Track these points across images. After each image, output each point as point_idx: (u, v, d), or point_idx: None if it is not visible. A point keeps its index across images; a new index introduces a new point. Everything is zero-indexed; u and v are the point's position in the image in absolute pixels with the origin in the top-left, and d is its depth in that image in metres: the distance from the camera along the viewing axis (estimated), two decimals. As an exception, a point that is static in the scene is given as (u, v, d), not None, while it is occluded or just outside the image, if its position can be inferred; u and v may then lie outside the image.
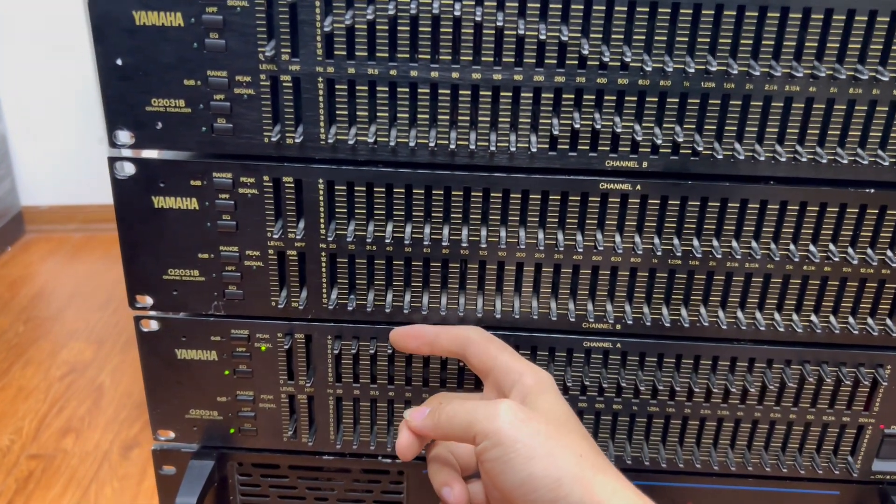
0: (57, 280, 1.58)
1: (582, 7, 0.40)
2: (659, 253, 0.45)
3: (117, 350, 1.34)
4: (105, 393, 1.24)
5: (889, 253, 0.45)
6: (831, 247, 0.45)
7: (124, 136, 0.44)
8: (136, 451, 1.10)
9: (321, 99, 0.43)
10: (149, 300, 0.48)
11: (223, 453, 0.53)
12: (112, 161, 0.45)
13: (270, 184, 0.45)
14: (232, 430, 0.52)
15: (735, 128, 0.43)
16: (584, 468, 0.37)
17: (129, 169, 0.45)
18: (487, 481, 0.41)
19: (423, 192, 0.45)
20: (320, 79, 0.42)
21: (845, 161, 0.43)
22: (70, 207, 1.78)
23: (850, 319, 0.47)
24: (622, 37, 0.41)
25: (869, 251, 0.45)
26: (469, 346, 0.45)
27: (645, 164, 0.44)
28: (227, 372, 0.50)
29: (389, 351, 0.49)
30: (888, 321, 0.47)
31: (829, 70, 0.41)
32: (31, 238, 1.78)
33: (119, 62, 0.42)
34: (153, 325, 0.49)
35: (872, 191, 0.44)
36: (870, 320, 0.47)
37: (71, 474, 1.06)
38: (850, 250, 0.45)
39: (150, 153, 0.45)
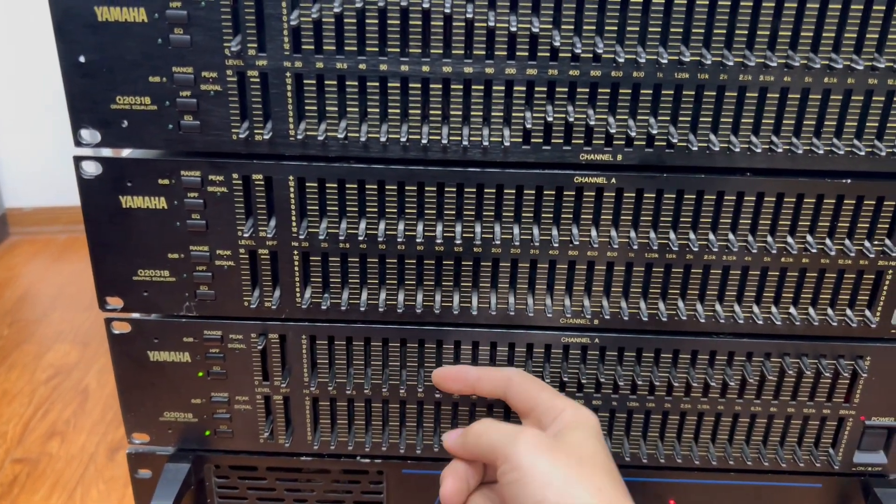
0: (42, 282, 1.56)
1: (552, -2, 0.40)
2: (635, 247, 0.45)
3: (103, 351, 1.33)
4: (91, 395, 1.23)
5: (866, 244, 0.45)
6: (809, 238, 0.45)
7: (89, 135, 0.43)
8: (122, 454, 1.09)
9: (289, 94, 0.42)
10: (119, 302, 0.47)
11: (199, 456, 0.52)
12: (77, 160, 0.44)
13: (240, 181, 0.44)
14: (207, 433, 0.51)
15: (710, 119, 0.42)
16: (599, 501, 0.37)
17: (95, 168, 0.44)
18: (506, 502, 0.41)
19: (395, 188, 0.44)
20: (288, 74, 0.42)
21: (821, 151, 0.42)
22: (54, 209, 1.77)
23: (829, 311, 0.47)
24: (594, 28, 0.41)
25: (847, 242, 0.45)
26: (510, 387, 0.45)
27: (620, 157, 0.43)
28: (200, 373, 0.49)
29: (364, 350, 0.48)
30: (867, 312, 0.47)
31: (804, 59, 0.41)
32: (15, 240, 1.76)
33: (82, 59, 0.41)
34: (124, 327, 0.48)
35: (849, 181, 0.44)
36: (849, 312, 0.47)
37: (56, 478, 1.05)
38: (827, 241, 0.45)
39: (117, 152, 0.44)
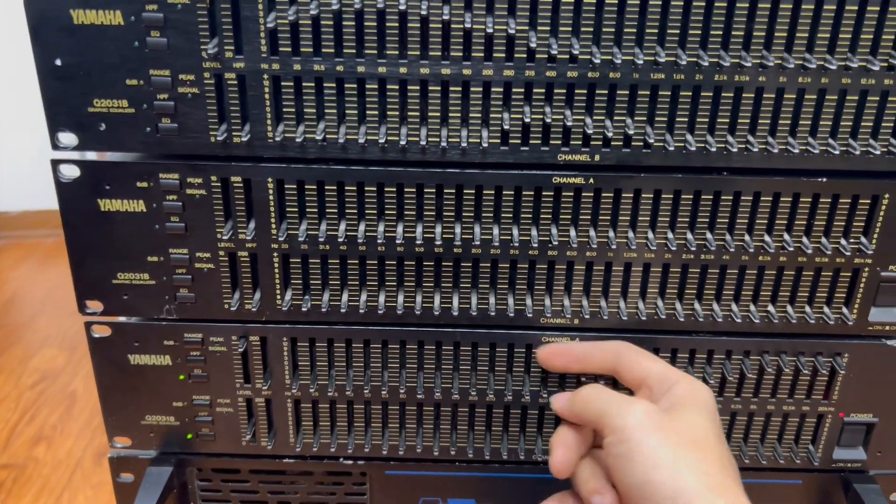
0: (29, 286, 1.55)
1: (528, 0, 0.40)
2: (613, 246, 0.45)
3: (90, 356, 1.32)
4: (78, 400, 1.22)
5: (843, 241, 0.45)
6: (786, 236, 0.45)
7: (67, 139, 0.43)
8: (109, 459, 1.08)
9: (267, 96, 0.42)
10: (99, 305, 0.47)
11: (182, 459, 0.52)
12: (55, 164, 0.44)
13: (218, 184, 0.44)
14: (189, 436, 0.51)
15: (686, 119, 0.43)
16: (706, 486, 0.36)
17: (73, 171, 0.44)
18: (611, 473, 0.40)
19: (375, 189, 0.44)
20: (266, 76, 0.42)
21: (796, 150, 0.43)
22: (41, 212, 1.75)
23: (807, 309, 0.47)
24: (570, 29, 0.41)
25: (823, 240, 0.45)
26: (620, 358, 0.44)
27: (597, 158, 0.44)
28: (181, 376, 0.49)
29: (346, 351, 0.48)
30: (844, 310, 0.47)
31: (778, 59, 0.41)
32: (1, 244, 1.75)
33: (58, 62, 0.41)
34: (105, 331, 0.48)
35: (824, 179, 0.44)
36: (826, 309, 0.47)
37: (43, 483, 1.04)
38: (804, 240, 0.45)
39: (95, 155, 0.44)
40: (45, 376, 1.29)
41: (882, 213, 0.45)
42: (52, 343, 1.39)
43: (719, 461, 0.38)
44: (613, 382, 0.49)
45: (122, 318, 0.48)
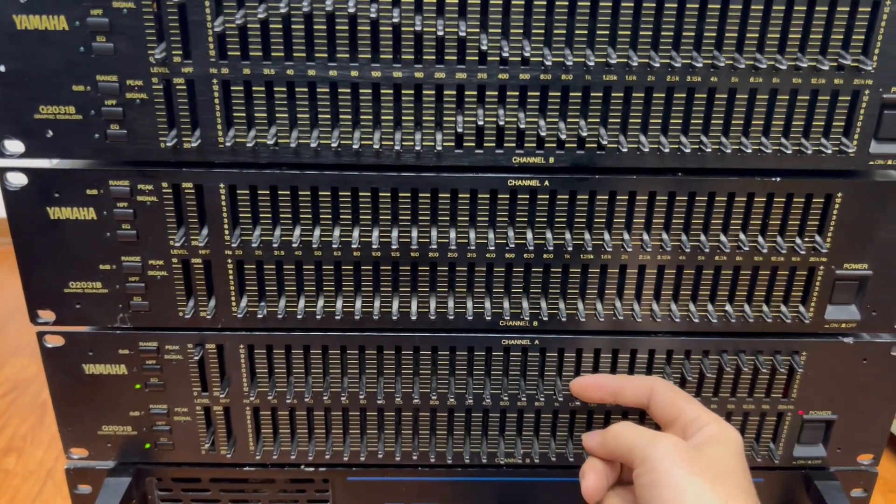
0: (-2, 295, 1.53)
1: (479, 2, 0.40)
2: (570, 248, 0.45)
3: (43, 366, 1.30)
4: (49, 410, 1.20)
5: (798, 240, 0.45)
6: (741, 236, 0.45)
7: (13, 146, 0.42)
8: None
9: (217, 101, 0.42)
10: (51, 315, 0.46)
11: (140, 469, 0.51)
12: (1, 172, 0.43)
13: (170, 190, 0.43)
14: (147, 445, 0.50)
15: (639, 120, 0.43)
16: None
17: (20, 179, 0.43)
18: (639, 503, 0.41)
19: (329, 193, 0.44)
20: (215, 80, 0.41)
21: (749, 150, 0.43)
22: (5, 220, 1.73)
23: (765, 308, 0.47)
24: (521, 31, 0.41)
25: (779, 239, 0.45)
26: (654, 395, 0.45)
27: (552, 160, 0.43)
28: (137, 385, 0.48)
29: (304, 358, 0.48)
30: (801, 308, 0.47)
31: (729, 60, 0.41)
32: (-29, 252, 1.72)
33: (2, 68, 0.41)
34: (58, 341, 0.47)
35: (778, 179, 0.44)
36: (783, 308, 0.47)
37: (13, 494, 1.03)
38: (759, 239, 0.45)
39: (43, 162, 0.44)
40: (16, 385, 1.27)
41: (836, 212, 0.45)
42: (23, 352, 1.37)
43: (746, 495, 0.39)
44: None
45: (75, 328, 0.47)
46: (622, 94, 0.42)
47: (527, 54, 0.41)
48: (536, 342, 0.48)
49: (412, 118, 0.43)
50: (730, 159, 0.43)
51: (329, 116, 0.42)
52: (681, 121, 0.43)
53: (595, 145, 0.43)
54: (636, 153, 0.43)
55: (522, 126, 0.42)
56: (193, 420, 0.49)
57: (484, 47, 0.41)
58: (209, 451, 0.50)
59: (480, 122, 0.42)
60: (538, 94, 0.42)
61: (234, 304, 0.46)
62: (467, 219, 0.45)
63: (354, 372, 0.49)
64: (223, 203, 0.44)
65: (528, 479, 0.52)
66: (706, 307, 0.47)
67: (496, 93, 0.42)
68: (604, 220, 0.45)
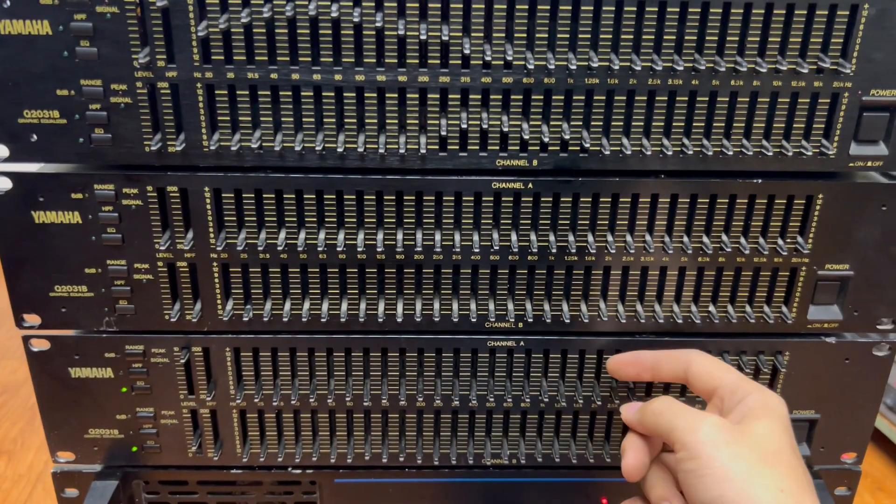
0: (-11, 298, 1.52)
1: (461, 6, 0.40)
2: (554, 250, 0.45)
3: (29, 370, 1.29)
4: (38, 413, 1.20)
5: (780, 241, 0.46)
6: (724, 237, 0.46)
7: (-3, 150, 0.42)
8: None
9: (201, 105, 0.42)
10: (37, 319, 0.46)
11: (127, 472, 0.51)
12: (-14, 176, 0.43)
13: (155, 194, 0.44)
14: (134, 449, 0.50)
15: (621, 123, 0.43)
16: (780, 503, 0.35)
17: (4, 184, 0.43)
18: (682, 487, 0.40)
19: (314, 196, 0.44)
20: (199, 84, 0.41)
21: (730, 152, 0.43)
22: None
23: (748, 308, 0.48)
24: (503, 35, 0.41)
25: (761, 240, 0.46)
26: (691, 367, 0.43)
27: (535, 163, 0.44)
28: (124, 389, 0.48)
29: (290, 360, 0.48)
30: (783, 308, 0.48)
31: (710, 63, 0.41)
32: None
33: (-15, 73, 0.41)
34: (43, 344, 0.47)
35: (759, 181, 0.45)
36: (766, 308, 0.48)
37: (3, 498, 1.02)
38: (742, 240, 0.46)
39: (27, 167, 0.44)
40: (6, 389, 1.26)
41: (817, 213, 0.45)
42: (13, 355, 1.36)
43: (794, 475, 0.37)
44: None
45: (61, 332, 0.47)
46: (604, 98, 0.42)
47: (509, 58, 0.41)
48: (522, 343, 0.48)
49: (396, 121, 0.43)
50: (711, 161, 0.44)
51: (313, 120, 0.42)
52: (663, 124, 0.43)
53: (578, 148, 0.43)
54: (619, 156, 0.43)
55: (506, 129, 0.43)
56: (180, 423, 0.49)
57: (467, 51, 0.41)
58: (196, 454, 0.50)
59: (464, 126, 0.42)
60: (521, 97, 0.42)
61: (219, 307, 0.46)
62: (452, 221, 0.45)
63: (341, 374, 0.49)
64: (208, 206, 0.44)
65: (514, 480, 0.52)
66: (690, 308, 0.47)
67: (479, 96, 0.42)
68: (587, 222, 0.45)
